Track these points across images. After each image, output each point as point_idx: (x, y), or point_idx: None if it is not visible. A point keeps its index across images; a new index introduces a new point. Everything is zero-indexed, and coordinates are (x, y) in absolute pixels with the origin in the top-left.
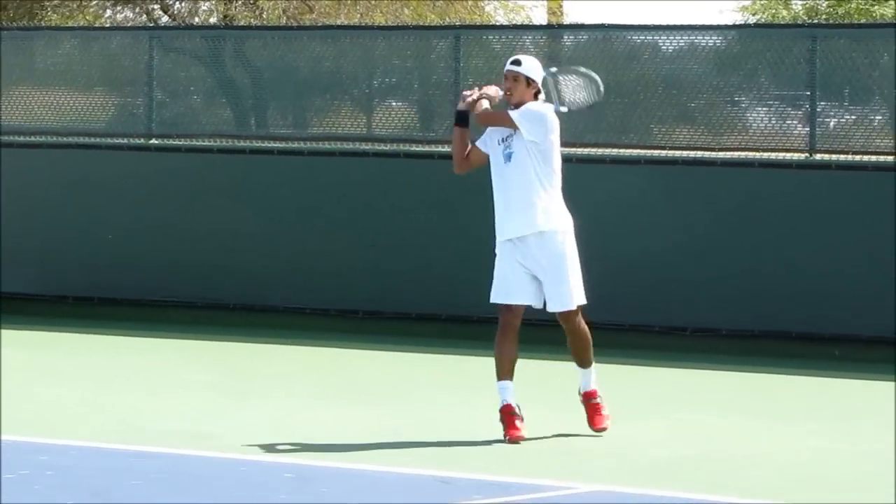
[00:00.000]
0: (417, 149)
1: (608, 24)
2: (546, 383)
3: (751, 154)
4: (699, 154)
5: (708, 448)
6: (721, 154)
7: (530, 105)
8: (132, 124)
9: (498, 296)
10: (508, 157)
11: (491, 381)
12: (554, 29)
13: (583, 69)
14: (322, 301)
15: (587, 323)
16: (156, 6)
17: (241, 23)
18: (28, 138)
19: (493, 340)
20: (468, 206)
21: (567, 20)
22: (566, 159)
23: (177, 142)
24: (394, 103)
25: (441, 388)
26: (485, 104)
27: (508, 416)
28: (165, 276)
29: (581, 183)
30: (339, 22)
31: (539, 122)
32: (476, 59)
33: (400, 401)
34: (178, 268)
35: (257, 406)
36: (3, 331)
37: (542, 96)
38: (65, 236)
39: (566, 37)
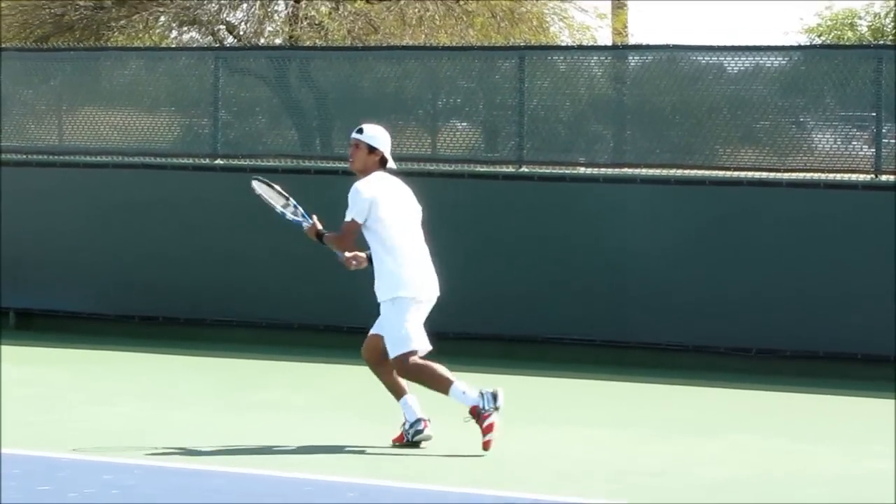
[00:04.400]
0: (482, 169)
1: (673, 45)
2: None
3: (816, 175)
4: (764, 175)
5: (768, 467)
6: (786, 175)
7: (356, 183)
8: (197, 145)
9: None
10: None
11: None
12: (619, 50)
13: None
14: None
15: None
16: (221, 27)
17: (306, 44)
18: (94, 158)
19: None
20: (532, 225)
21: (632, 41)
22: (630, 180)
23: (242, 162)
24: (458, 124)
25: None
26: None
27: (478, 414)
28: (229, 296)
29: (646, 204)
30: (403, 43)
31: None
32: (541, 79)
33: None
34: (242, 288)
35: (317, 425)
36: (72, 350)
37: (390, 164)
38: (130, 256)
39: (631, 57)
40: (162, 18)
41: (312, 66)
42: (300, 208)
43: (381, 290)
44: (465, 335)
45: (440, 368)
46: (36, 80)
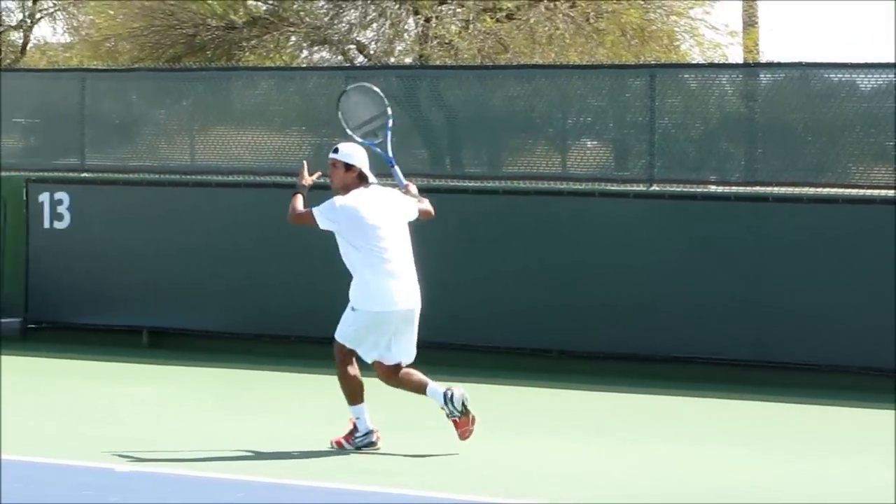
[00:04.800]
0: (613, 188)
1: (805, 63)
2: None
3: None
4: None
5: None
6: None
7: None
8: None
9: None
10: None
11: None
12: (750, 67)
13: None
14: (515, 340)
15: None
16: (352, 46)
17: (436, 62)
18: (225, 178)
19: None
20: (658, 245)
21: (763, 58)
22: (762, 199)
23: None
24: (588, 142)
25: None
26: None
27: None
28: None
29: (778, 222)
30: (533, 61)
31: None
32: (671, 97)
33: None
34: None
35: (435, 444)
36: (199, 368)
37: (373, 180)
38: (262, 275)
39: (762, 75)
40: (293, 38)
41: (442, 84)
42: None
43: (352, 297)
44: (612, 354)
45: (360, 385)
46: (168, 100)
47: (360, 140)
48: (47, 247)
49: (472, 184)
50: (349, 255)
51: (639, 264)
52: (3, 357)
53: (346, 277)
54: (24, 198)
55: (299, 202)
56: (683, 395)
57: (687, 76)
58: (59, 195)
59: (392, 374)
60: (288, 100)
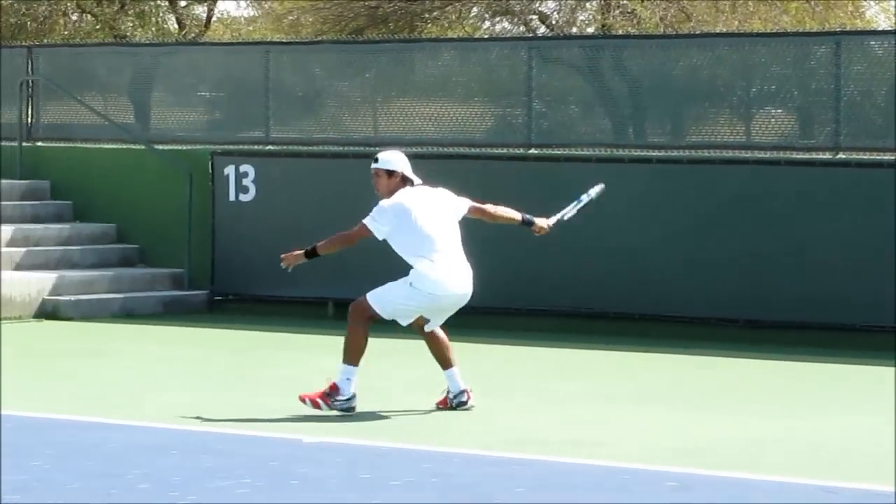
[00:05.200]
0: (797, 156)
1: None
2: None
3: None
4: None
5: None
6: None
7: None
8: (511, 135)
9: None
10: None
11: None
12: None
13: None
14: (701, 309)
15: None
16: (534, 17)
17: (619, 32)
18: (408, 149)
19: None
20: (845, 213)
21: None
22: None
23: (555, 151)
24: (773, 111)
25: (826, 398)
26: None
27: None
28: (538, 285)
29: None
30: (716, 29)
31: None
32: (857, 65)
33: (780, 409)
34: (550, 277)
35: (635, 414)
36: (390, 340)
37: (418, 181)
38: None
39: None
40: (475, 9)
41: (625, 54)
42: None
43: (412, 276)
44: (795, 323)
45: (363, 349)
46: (351, 72)
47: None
48: (232, 219)
49: (655, 153)
50: (404, 251)
51: (824, 232)
52: (190, 329)
53: (533, 248)
54: (210, 171)
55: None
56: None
57: (873, 43)
58: (244, 168)
59: (421, 331)
60: (470, 71)
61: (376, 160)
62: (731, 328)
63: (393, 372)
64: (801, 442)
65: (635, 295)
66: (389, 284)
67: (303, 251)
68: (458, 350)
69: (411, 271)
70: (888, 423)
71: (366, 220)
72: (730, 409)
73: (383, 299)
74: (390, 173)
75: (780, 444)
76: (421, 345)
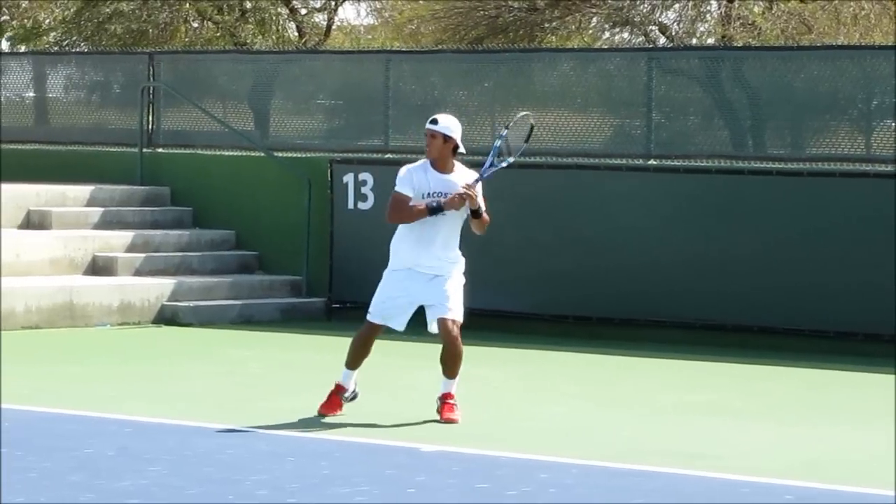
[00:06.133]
0: None
1: None
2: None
3: None
4: None
5: None
6: None
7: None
8: (630, 145)
9: None
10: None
11: None
12: None
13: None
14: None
15: None
16: (654, 27)
17: (739, 43)
18: (527, 159)
19: None
20: None
21: None
22: None
23: (675, 162)
24: (893, 124)
25: None
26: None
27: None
28: (660, 295)
29: None
30: (838, 42)
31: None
32: None
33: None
34: (672, 288)
35: (754, 427)
36: (503, 349)
37: (461, 150)
38: (563, 256)
39: None
40: (594, 20)
41: (745, 66)
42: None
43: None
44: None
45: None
46: (470, 81)
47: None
48: (351, 227)
49: (775, 165)
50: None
51: None
52: (309, 336)
53: (646, 255)
54: (329, 178)
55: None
56: None
57: None
58: (363, 176)
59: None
60: (589, 81)
61: (435, 122)
62: (851, 341)
63: (512, 381)
64: None
65: (753, 306)
66: (457, 292)
67: (425, 207)
68: (574, 359)
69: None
70: None
71: (396, 190)
72: (846, 423)
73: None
74: (446, 138)
75: None
76: (535, 354)
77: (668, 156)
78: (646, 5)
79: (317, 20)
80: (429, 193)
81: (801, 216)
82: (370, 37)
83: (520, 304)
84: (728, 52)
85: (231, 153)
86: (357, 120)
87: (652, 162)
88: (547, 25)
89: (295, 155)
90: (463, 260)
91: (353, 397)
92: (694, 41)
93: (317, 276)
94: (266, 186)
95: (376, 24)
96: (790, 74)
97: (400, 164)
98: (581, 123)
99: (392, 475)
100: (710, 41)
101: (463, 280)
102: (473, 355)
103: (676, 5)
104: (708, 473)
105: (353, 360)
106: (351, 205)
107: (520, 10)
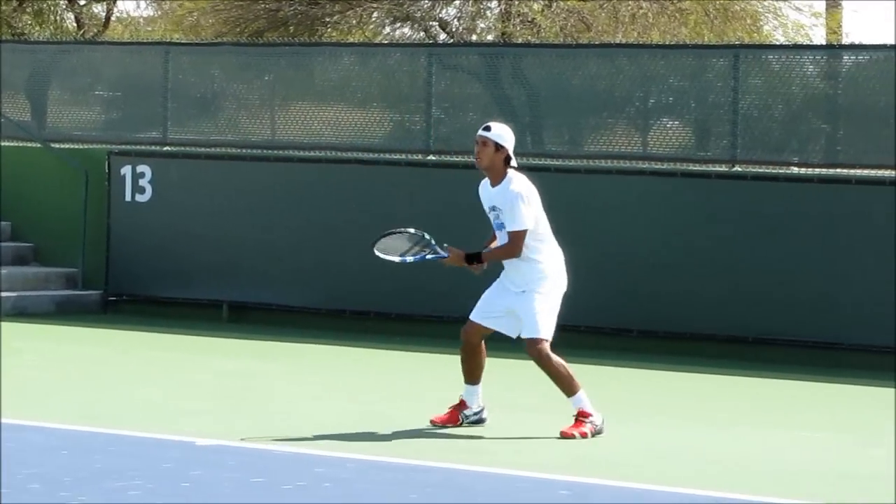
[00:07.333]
0: (693, 168)
1: (891, 45)
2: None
3: None
4: None
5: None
6: None
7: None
8: (410, 141)
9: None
10: (500, 227)
11: None
12: (834, 49)
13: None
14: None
15: None
16: (434, 24)
17: (519, 41)
18: (306, 153)
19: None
20: (744, 223)
21: (846, 40)
22: (845, 181)
23: (454, 158)
24: (669, 122)
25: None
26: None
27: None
28: (433, 292)
29: (861, 204)
30: (616, 40)
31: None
32: (754, 78)
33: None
34: (438, 285)
35: (530, 424)
36: (283, 343)
37: (513, 162)
38: (344, 250)
39: (846, 57)
40: (375, 15)
41: (524, 62)
42: (431, 239)
43: (532, 281)
44: (695, 335)
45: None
46: (250, 74)
47: (411, 259)
48: (128, 220)
49: (553, 162)
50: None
51: (718, 243)
52: (84, 329)
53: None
54: (106, 170)
55: (498, 254)
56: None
57: (770, 57)
58: (141, 168)
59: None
60: (370, 76)
61: (488, 129)
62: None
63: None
64: None
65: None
66: (537, 308)
67: (463, 254)
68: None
69: (537, 270)
70: None
71: (519, 218)
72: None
73: (542, 323)
74: (499, 147)
75: None
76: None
77: (447, 151)
78: (426, 2)
79: (96, 11)
80: (491, 207)
81: (579, 214)
82: (150, 28)
83: (285, 298)
84: (507, 48)
85: (7, 143)
86: (135, 112)
87: (431, 157)
88: (328, 20)
89: (72, 146)
90: (538, 279)
91: (479, 420)
92: (474, 37)
93: (93, 269)
94: (43, 178)
95: (156, 15)
96: (569, 72)
97: (178, 157)
98: (361, 118)
99: (168, 469)
100: (490, 38)
101: (543, 299)
102: (241, 348)
103: (456, 2)
104: (481, 468)
105: (465, 373)
106: (129, 197)
107: (300, 4)
